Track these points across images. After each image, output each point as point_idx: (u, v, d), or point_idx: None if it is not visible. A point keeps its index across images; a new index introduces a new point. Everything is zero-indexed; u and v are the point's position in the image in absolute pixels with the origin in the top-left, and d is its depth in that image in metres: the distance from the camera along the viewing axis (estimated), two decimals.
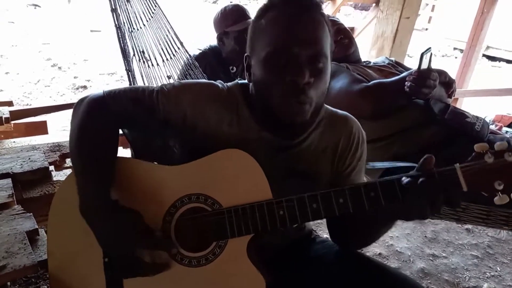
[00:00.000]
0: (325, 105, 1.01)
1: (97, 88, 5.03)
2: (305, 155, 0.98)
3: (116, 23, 1.39)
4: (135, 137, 1.20)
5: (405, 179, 0.79)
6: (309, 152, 0.98)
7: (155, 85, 1.00)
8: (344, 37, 1.81)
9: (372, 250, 2.23)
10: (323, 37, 0.87)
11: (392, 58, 1.98)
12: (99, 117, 0.91)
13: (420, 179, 0.76)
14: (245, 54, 0.95)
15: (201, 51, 2.19)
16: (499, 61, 9.22)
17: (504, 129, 3.38)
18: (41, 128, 2.53)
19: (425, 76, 1.44)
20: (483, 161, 0.74)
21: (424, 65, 1.49)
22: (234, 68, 2.18)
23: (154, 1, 1.37)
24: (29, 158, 1.68)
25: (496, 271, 2.18)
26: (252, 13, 2.04)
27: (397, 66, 1.86)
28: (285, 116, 0.88)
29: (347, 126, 1.01)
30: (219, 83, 1.00)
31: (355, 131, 1.01)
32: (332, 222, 1.05)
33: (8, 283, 1.26)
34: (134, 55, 1.33)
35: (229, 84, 1.00)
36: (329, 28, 0.90)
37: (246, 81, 0.98)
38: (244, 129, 0.95)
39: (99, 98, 0.93)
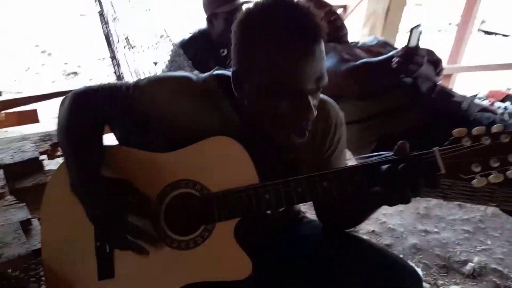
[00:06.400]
0: None
1: (88, 73, 4.98)
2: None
3: (100, 9, 1.37)
4: (117, 130, 1.20)
5: (383, 165, 0.79)
6: None
7: (131, 81, 1.01)
8: (336, 18, 1.80)
9: (365, 228, 2.26)
10: (324, 62, 0.83)
11: (382, 38, 1.97)
12: (80, 112, 0.95)
13: (400, 164, 0.77)
14: (234, 69, 0.89)
15: (191, 35, 2.16)
16: (496, 35, 9.15)
17: (497, 104, 3.38)
18: (32, 117, 2.52)
19: (412, 52, 1.43)
20: (461, 145, 0.76)
21: (413, 42, 1.47)
22: (226, 51, 2.15)
23: None
24: (20, 149, 1.68)
25: (486, 244, 2.22)
26: None
27: (386, 45, 1.85)
28: (283, 142, 0.90)
29: (324, 109, 1.00)
30: (193, 75, 0.98)
31: (333, 115, 1.01)
32: (318, 204, 1.07)
33: (9, 270, 1.28)
34: (118, 41, 1.31)
35: (203, 75, 0.99)
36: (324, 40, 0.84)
37: (223, 72, 0.97)
38: (225, 120, 0.95)
39: (80, 93, 0.97)
